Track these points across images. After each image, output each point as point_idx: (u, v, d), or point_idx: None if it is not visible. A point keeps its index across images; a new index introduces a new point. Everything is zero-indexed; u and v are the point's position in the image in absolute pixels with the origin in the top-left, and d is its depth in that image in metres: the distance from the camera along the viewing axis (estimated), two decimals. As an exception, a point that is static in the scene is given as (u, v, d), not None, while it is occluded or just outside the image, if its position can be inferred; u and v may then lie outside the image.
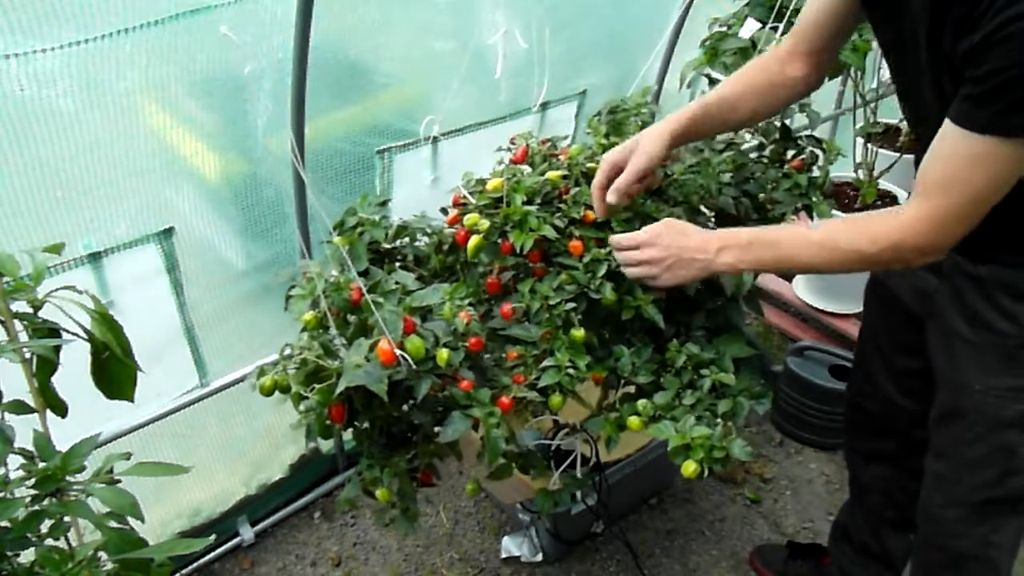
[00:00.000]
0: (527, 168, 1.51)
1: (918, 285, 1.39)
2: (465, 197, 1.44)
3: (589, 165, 1.51)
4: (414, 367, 1.14)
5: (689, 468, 1.21)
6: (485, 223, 1.35)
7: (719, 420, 1.28)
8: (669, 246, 1.28)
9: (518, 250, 1.32)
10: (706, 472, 1.21)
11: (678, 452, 1.23)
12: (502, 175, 1.42)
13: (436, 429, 1.25)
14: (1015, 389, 1.26)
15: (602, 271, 1.35)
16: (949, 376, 1.35)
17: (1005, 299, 1.23)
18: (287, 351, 1.22)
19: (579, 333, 1.31)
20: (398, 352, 1.12)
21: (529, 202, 1.38)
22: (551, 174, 1.44)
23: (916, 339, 1.44)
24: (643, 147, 1.34)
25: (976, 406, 1.30)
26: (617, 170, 1.34)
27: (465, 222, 1.37)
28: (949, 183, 1.09)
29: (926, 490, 1.45)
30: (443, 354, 1.16)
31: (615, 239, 1.32)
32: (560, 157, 1.53)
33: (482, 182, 1.45)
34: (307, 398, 1.15)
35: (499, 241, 1.37)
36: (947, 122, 1.06)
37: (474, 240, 1.36)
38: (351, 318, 1.27)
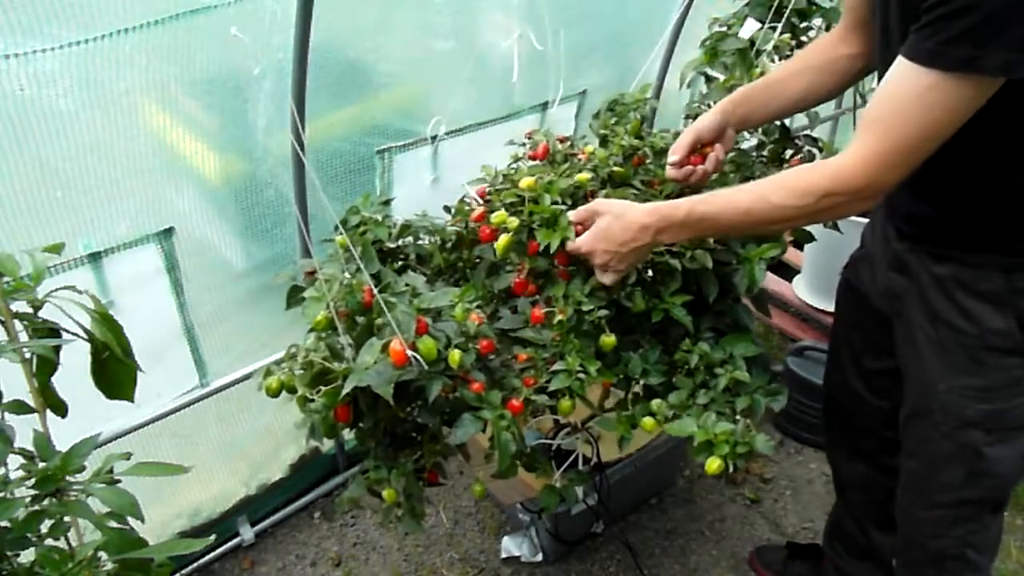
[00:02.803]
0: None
1: (887, 285, 1.40)
2: (492, 191, 1.41)
3: (616, 169, 1.51)
4: (426, 368, 1.13)
5: (713, 465, 1.21)
6: (514, 221, 1.31)
7: (738, 417, 1.28)
8: (611, 249, 1.25)
9: (542, 249, 1.28)
10: (731, 468, 1.21)
11: (702, 449, 1.23)
12: (528, 173, 1.39)
13: (444, 430, 1.25)
14: (977, 389, 1.27)
15: (632, 279, 1.34)
16: (915, 374, 1.37)
17: (964, 298, 1.24)
18: (292, 351, 1.21)
19: (610, 340, 1.30)
20: (410, 353, 1.12)
21: (558, 204, 1.36)
22: (580, 176, 1.42)
23: (884, 339, 1.45)
24: (694, 123, 1.39)
25: (941, 405, 1.31)
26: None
27: (492, 219, 1.34)
28: (889, 120, 1.07)
29: (902, 489, 1.47)
30: (455, 355, 1.15)
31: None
32: (580, 157, 1.51)
33: (507, 177, 1.43)
34: (312, 400, 1.15)
35: (525, 240, 1.33)
36: (896, 61, 1.05)
37: (503, 239, 1.32)
38: (359, 319, 1.27)
